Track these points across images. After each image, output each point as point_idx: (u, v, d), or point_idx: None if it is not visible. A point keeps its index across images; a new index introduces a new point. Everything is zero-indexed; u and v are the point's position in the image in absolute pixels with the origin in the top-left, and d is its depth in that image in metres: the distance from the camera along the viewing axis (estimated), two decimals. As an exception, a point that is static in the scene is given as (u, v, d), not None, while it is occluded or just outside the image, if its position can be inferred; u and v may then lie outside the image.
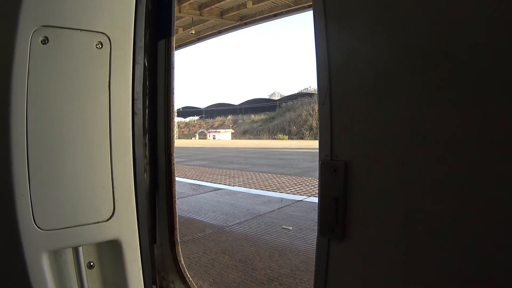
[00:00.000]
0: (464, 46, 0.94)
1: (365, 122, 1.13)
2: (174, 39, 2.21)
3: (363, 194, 1.15)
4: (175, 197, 2.30)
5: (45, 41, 1.68)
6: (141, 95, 2.01)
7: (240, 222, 5.81)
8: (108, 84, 1.84)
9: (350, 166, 1.15)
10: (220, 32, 13.06)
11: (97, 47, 1.82)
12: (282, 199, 7.55)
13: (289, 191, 8.51)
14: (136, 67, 1.97)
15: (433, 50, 0.99)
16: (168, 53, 2.19)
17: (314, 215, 6.22)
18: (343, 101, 1.19)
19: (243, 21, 12.09)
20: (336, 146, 1.20)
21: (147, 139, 2.16)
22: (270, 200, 7.52)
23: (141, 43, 2.00)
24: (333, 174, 1.18)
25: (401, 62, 1.05)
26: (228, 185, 9.47)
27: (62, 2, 1.72)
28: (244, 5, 11.25)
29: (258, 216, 6.18)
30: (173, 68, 2.20)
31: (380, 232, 1.12)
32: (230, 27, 12.55)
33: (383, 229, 1.11)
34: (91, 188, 1.85)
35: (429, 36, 1.00)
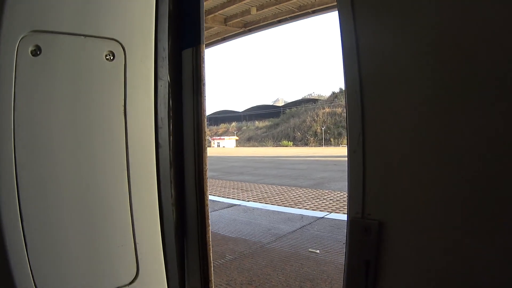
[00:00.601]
0: None
1: (405, 174, 0.98)
2: (204, 47, 1.72)
3: (399, 258, 1.01)
4: (209, 245, 1.81)
5: (36, 51, 1.22)
6: (167, 121, 1.53)
7: (262, 245, 5.31)
8: (123, 108, 1.37)
9: (384, 226, 1.02)
10: (224, 39, 12.77)
11: (107, 59, 1.35)
12: (302, 216, 7.03)
13: (308, 207, 7.98)
14: (159, 85, 1.49)
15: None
16: (197, 66, 1.69)
17: (340, 235, 5.74)
18: (380, 148, 1.03)
19: (247, 28, 11.85)
20: (369, 202, 1.05)
21: (172, 174, 1.67)
22: (290, 217, 7.00)
23: (164, 53, 1.53)
24: (365, 234, 1.05)
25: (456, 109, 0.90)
26: (243, 200, 8.93)
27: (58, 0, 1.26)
28: (248, 12, 11.01)
29: (280, 237, 5.68)
30: (204, 84, 1.70)
31: None
32: (234, 34, 12.26)
33: None
34: (107, 247, 1.38)
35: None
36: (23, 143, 1.19)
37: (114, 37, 1.35)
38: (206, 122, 1.71)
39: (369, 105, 1.04)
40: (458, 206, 0.90)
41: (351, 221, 1.08)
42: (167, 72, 1.55)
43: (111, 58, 1.35)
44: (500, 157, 0.84)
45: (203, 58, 1.72)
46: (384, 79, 1.02)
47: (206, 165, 1.70)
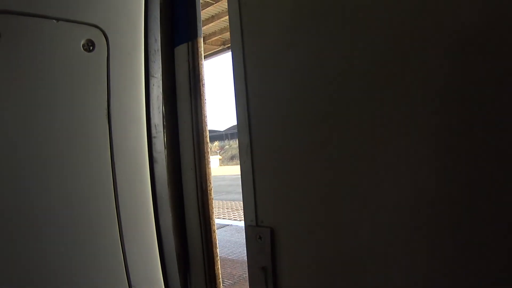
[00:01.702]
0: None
1: (290, 182, 0.98)
2: (201, 41, 1.42)
3: (294, 264, 0.99)
4: (219, 278, 1.47)
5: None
6: (162, 129, 1.22)
7: (260, 268, 4.99)
8: (106, 111, 1.06)
9: (276, 233, 1.01)
10: (204, 58, 12.65)
11: (85, 49, 1.04)
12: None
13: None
14: (151, 83, 1.20)
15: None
16: (195, 62, 1.38)
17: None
18: (266, 158, 1.03)
19: (226, 45, 11.77)
20: (261, 210, 1.05)
21: (169, 195, 1.34)
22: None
23: (156, 45, 1.24)
24: (259, 241, 1.04)
25: (337, 109, 0.88)
26: (235, 220, 8.52)
27: None
28: (226, 29, 10.96)
29: (278, 258, 5.38)
30: (203, 85, 1.39)
31: None
32: (213, 52, 12.10)
33: None
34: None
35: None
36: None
37: (95, 23, 1.06)
38: (207, 131, 1.40)
39: (255, 118, 1.04)
40: (344, 206, 0.89)
41: (247, 228, 1.08)
42: (161, 68, 1.25)
43: (90, 48, 1.05)
44: (385, 156, 0.83)
45: (201, 54, 1.41)
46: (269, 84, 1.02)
47: (210, 183, 1.38)
